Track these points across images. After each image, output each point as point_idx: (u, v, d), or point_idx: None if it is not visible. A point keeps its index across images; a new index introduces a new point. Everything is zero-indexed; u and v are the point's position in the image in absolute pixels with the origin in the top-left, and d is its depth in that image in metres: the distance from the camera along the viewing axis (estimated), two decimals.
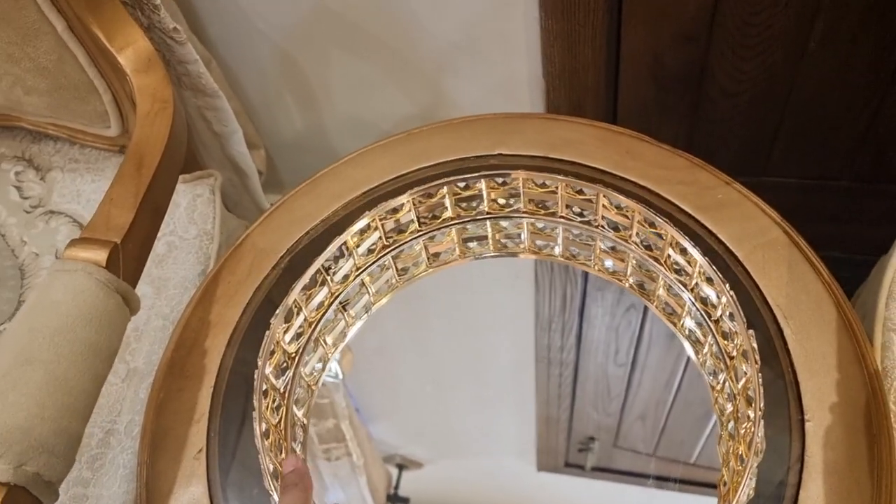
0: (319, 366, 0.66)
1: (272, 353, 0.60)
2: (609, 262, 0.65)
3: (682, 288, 0.60)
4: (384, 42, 0.97)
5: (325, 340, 0.67)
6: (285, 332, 0.63)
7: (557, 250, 0.66)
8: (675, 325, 0.62)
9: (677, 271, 0.60)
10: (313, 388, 0.65)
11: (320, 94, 1.08)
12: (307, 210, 0.70)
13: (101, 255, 0.57)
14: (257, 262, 0.68)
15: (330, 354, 0.67)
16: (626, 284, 0.65)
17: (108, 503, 0.65)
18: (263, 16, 0.97)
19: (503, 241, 0.69)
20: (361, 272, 0.68)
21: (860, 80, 0.90)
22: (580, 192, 0.61)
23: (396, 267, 0.70)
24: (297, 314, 0.64)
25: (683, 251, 0.58)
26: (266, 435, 0.57)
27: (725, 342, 0.57)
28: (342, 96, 1.08)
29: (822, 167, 1.02)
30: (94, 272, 0.55)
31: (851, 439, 0.52)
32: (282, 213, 0.71)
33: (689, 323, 0.62)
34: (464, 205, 0.69)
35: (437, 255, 0.70)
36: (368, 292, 0.69)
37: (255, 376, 0.57)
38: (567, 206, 0.62)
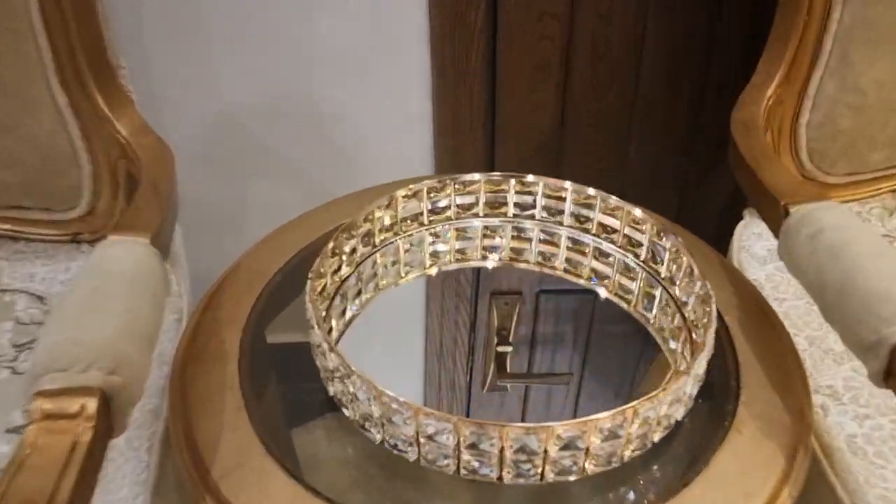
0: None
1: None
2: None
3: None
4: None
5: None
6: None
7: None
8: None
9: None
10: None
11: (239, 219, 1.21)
12: (290, 240, 0.82)
13: (146, 236, 0.64)
14: (253, 279, 0.77)
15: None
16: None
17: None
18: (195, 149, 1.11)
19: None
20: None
21: (667, 176, 1.23)
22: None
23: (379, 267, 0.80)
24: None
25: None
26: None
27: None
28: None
29: None
30: (145, 243, 0.63)
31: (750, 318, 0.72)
32: (265, 245, 0.82)
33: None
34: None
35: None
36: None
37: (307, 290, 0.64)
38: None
